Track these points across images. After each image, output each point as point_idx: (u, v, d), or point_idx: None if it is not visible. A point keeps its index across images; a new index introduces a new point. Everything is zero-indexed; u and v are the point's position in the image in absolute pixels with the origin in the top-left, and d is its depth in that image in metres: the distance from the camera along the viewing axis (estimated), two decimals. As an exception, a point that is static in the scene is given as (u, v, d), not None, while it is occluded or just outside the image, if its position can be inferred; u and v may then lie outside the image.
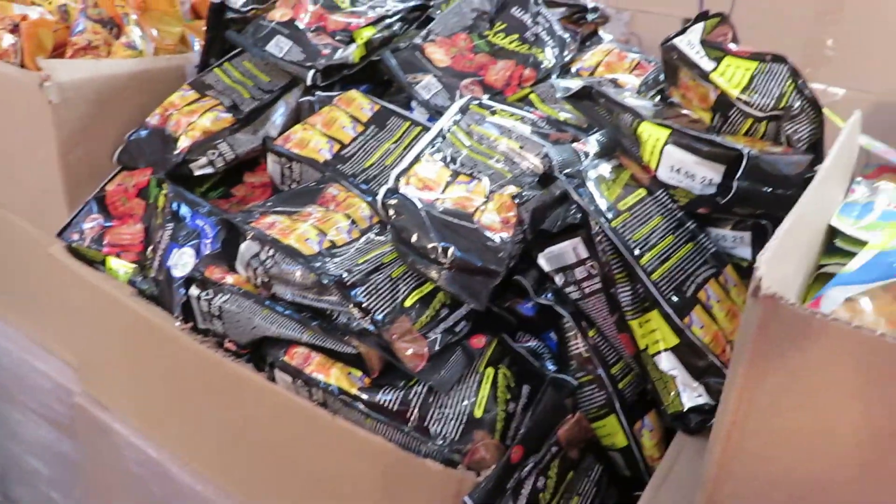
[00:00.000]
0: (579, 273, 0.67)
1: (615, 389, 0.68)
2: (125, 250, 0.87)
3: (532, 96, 0.90)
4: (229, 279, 0.73)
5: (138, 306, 0.80)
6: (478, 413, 0.63)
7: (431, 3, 1.04)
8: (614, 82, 0.93)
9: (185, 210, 0.82)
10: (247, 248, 0.70)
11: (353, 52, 0.92)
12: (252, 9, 0.95)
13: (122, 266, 0.86)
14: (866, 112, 0.81)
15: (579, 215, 0.68)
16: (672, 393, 0.65)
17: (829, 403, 0.42)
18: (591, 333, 0.68)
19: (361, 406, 0.63)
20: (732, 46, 0.77)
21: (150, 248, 0.84)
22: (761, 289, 0.43)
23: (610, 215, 0.65)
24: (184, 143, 0.88)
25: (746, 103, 0.72)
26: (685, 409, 0.64)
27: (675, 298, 0.64)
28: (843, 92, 1.67)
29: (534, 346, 0.72)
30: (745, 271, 0.70)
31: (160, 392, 0.85)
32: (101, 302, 0.85)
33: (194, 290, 0.73)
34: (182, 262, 0.79)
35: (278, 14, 0.94)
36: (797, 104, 0.72)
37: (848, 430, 0.42)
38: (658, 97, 0.90)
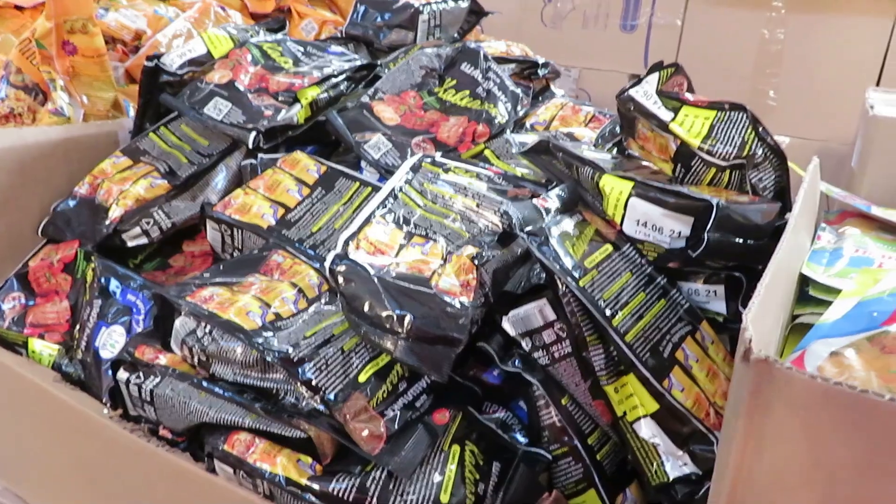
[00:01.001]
0: (547, 337, 0.62)
1: (593, 461, 0.63)
2: (49, 331, 0.79)
3: (487, 152, 0.86)
4: (163, 359, 0.66)
5: (63, 393, 0.72)
6: (444, 498, 0.56)
7: (379, 63, 1.02)
8: (570, 136, 0.91)
9: (114, 285, 0.76)
10: (181, 324, 0.63)
11: (297, 113, 0.88)
12: (189, 71, 0.91)
13: (45, 348, 0.78)
14: (812, 158, 0.80)
15: (544, 275, 0.63)
16: (655, 463, 0.59)
17: (841, 480, 0.38)
18: (563, 401, 0.63)
19: (313, 497, 0.56)
20: (689, 96, 0.76)
21: (77, 328, 0.77)
22: (752, 352, 0.38)
23: (577, 274, 0.60)
24: (115, 213, 0.82)
25: (708, 152, 0.70)
26: (670, 480, 0.59)
27: (651, 360, 0.59)
28: (788, 140, 1.70)
29: (503, 416, 0.66)
30: (721, 326, 0.67)
31: (89, 486, 0.76)
32: (23, 391, 0.76)
33: (122, 374, 0.65)
34: (111, 341, 0.72)
35: (217, 76, 0.89)
36: (760, 151, 0.70)
37: (861, 507, 0.38)
38: (616, 149, 0.88)
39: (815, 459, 0.39)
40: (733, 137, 0.70)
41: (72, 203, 0.86)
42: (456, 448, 0.60)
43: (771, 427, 0.39)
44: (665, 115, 0.73)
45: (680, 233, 0.64)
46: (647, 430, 0.59)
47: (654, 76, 0.76)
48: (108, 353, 0.71)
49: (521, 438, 0.65)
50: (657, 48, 1.83)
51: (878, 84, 1.58)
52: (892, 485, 0.37)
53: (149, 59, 0.89)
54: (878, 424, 0.36)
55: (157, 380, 0.64)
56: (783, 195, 0.71)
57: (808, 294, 0.63)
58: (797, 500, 0.39)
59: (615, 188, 0.67)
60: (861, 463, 0.37)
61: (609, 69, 1.94)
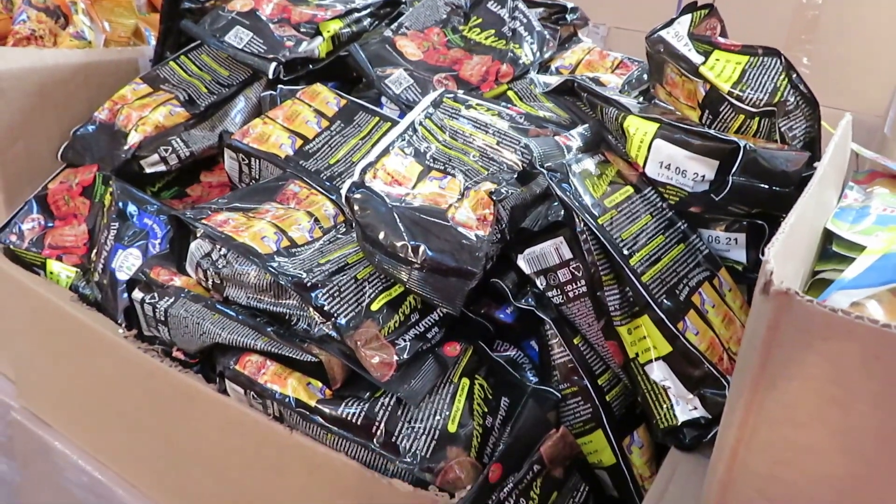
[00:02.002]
0: (563, 275, 0.61)
1: (602, 402, 0.62)
2: (68, 253, 0.80)
3: (510, 93, 0.85)
4: (177, 281, 0.66)
5: (80, 313, 0.73)
6: (452, 428, 0.56)
7: (404, 0, 1.00)
8: (596, 81, 0.89)
9: (132, 208, 0.76)
10: (197, 247, 0.63)
11: (318, 46, 0.86)
12: (211, -2, 0.89)
13: (63, 270, 0.78)
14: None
15: (562, 213, 0.62)
16: (664, 406, 0.59)
17: (853, 415, 0.37)
18: (575, 341, 0.63)
19: (321, 420, 0.57)
20: (721, 40, 0.73)
21: (95, 251, 0.77)
22: (773, 283, 0.37)
23: (596, 212, 0.59)
24: (134, 139, 0.81)
25: (738, 98, 0.68)
26: (679, 424, 0.59)
27: (667, 302, 0.58)
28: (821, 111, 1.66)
29: (513, 355, 0.66)
30: (740, 276, 0.66)
31: (104, 407, 0.77)
32: (41, 309, 0.77)
33: (138, 294, 0.66)
34: (127, 263, 0.72)
35: (239, 4, 0.88)
36: (792, 99, 0.68)
37: (875, 446, 0.37)
38: (642, 97, 0.86)
39: (830, 395, 0.38)
40: (765, 84, 0.68)
41: (91, 128, 0.86)
42: (465, 381, 0.60)
43: (787, 360, 0.38)
44: (696, 58, 0.71)
45: (704, 176, 0.62)
46: (659, 373, 0.59)
47: (687, 17, 0.74)
48: (124, 275, 0.72)
49: (531, 377, 0.64)
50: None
51: (918, 52, 1.54)
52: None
53: (171, -16, 0.88)
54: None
55: (172, 300, 0.64)
56: (813, 146, 0.69)
57: (831, 251, 0.61)
58: (810, 435, 0.38)
59: (640, 129, 0.65)
60: (878, 398, 0.36)
61: (639, 28, 1.89)
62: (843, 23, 1.61)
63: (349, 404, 0.56)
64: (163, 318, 0.64)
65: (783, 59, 0.69)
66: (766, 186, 0.61)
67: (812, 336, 0.37)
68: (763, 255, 0.41)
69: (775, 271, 0.38)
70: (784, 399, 0.39)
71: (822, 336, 0.37)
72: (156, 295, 0.65)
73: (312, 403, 0.57)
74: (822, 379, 0.38)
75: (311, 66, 0.88)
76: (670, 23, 0.73)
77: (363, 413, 0.56)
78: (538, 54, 0.89)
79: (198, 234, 0.63)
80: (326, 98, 0.81)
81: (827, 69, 1.65)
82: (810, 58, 1.68)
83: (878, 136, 1.15)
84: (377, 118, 0.79)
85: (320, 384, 0.58)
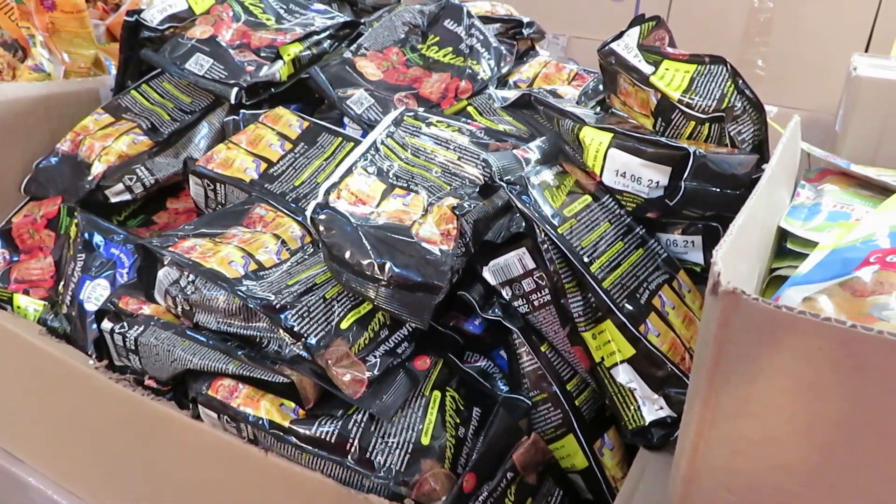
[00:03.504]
0: (527, 285, 0.63)
1: (571, 407, 0.64)
2: (34, 286, 0.79)
3: (470, 108, 0.86)
4: (147, 310, 0.66)
5: (49, 346, 0.72)
6: (425, 440, 0.57)
7: (363, 21, 1.01)
8: (553, 93, 0.91)
9: (98, 239, 0.76)
10: (165, 274, 0.64)
11: (279, 70, 0.87)
12: (169, 27, 0.90)
13: (31, 304, 0.78)
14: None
15: (523, 224, 0.64)
16: (632, 407, 0.61)
17: (801, 403, 0.39)
18: (543, 348, 0.64)
19: (296, 440, 0.57)
20: (670, 50, 0.76)
21: (62, 283, 0.77)
22: (721, 284, 0.39)
23: (556, 222, 0.61)
24: (98, 169, 0.81)
25: (688, 105, 0.71)
26: (646, 424, 0.60)
27: (628, 306, 0.60)
28: (776, 110, 1.71)
29: (483, 365, 0.67)
30: (699, 277, 0.68)
31: (78, 439, 0.77)
32: (9, 344, 0.77)
33: (107, 324, 0.66)
34: (95, 294, 0.72)
35: (198, 31, 0.89)
36: (739, 104, 0.70)
37: (825, 432, 0.39)
38: (598, 107, 0.88)
39: (780, 386, 0.40)
40: (713, 91, 0.71)
41: (54, 160, 0.86)
42: (437, 393, 0.61)
43: (738, 356, 0.40)
44: (646, 68, 0.73)
45: (658, 182, 0.64)
46: (624, 375, 0.61)
47: (636, 30, 0.76)
48: (92, 306, 0.72)
49: (501, 386, 0.66)
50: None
51: (866, 50, 1.59)
52: (856, 409, 0.38)
53: (129, 14, 0.88)
54: (844, 351, 0.37)
55: (141, 329, 0.65)
56: (761, 148, 0.72)
57: (786, 248, 0.63)
58: (764, 426, 0.40)
59: (595, 139, 0.67)
60: (823, 387, 0.38)
61: (598, 38, 1.93)
62: (794, 24, 1.66)
63: (322, 423, 0.57)
64: (133, 347, 0.65)
65: (729, 67, 0.71)
66: (718, 190, 0.63)
67: (760, 332, 0.39)
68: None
69: (723, 272, 0.40)
70: (738, 393, 0.41)
71: (769, 331, 0.39)
72: (125, 324, 0.65)
73: (286, 424, 0.57)
74: (771, 372, 0.40)
75: (272, 90, 0.89)
76: (620, 35, 0.76)
77: (337, 431, 0.57)
78: (496, 69, 0.91)
79: (165, 262, 0.63)
80: (289, 121, 0.82)
81: (781, 69, 1.70)
82: (764, 59, 1.73)
83: (832, 135, 1.18)
84: (340, 138, 0.80)
85: (293, 405, 0.59)
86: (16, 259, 0.82)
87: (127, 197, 0.82)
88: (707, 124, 0.71)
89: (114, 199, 0.82)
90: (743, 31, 1.73)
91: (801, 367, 0.38)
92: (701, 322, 0.45)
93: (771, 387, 0.40)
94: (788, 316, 0.38)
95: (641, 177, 0.65)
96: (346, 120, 0.85)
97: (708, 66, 0.72)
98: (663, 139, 0.64)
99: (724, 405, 0.42)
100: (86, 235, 0.76)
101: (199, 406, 0.61)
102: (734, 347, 0.40)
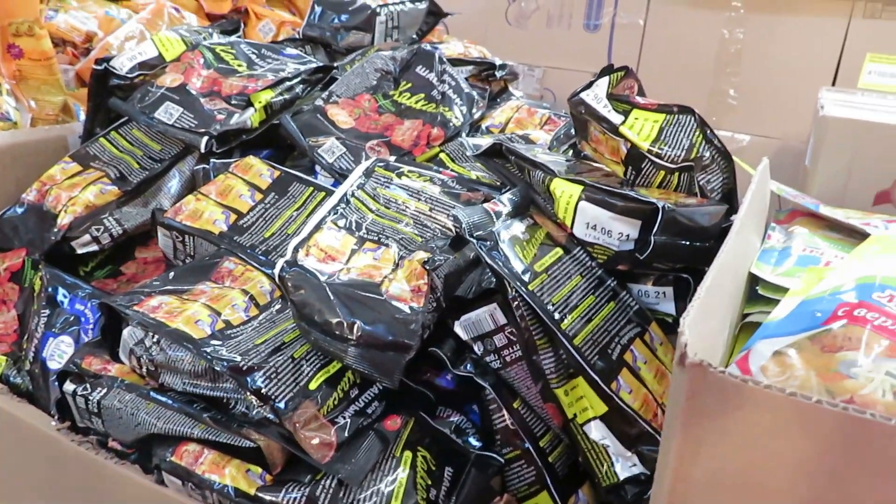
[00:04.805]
0: (498, 340, 0.62)
1: (545, 463, 0.63)
2: (-3, 341, 0.77)
3: (442, 155, 0.86)
4: (111, 370, 0.65)
5: (9, 405, 0.70)
6: (396, 504, 0.56)
7: (336, 65, 1.01)
8: (526, 138, 0.91)
9: (62, 294, 0.74)
10: (129, 333, 0.63)
11: (251, 117, 0.87)
12: (139, 75, 0.89)
13: (-7, 359, 0.76)
14: (771, 156, 0.81)
15: (494, 279, 0.64)
16: (605, 464, 0.60)
17: (770, 475, 0.39)
18: (515, 405, 0.63)
19: (263, 508, 0.56)
20: (639, 99, 0.76)
21: (26, 337, 0.75)
22: (688, 356, 0.39)
23: (526, 278, 0.61)
24: (64, 220, 0.80)
25: (657, 155, 0.71)
26: (620, 481, 0.59)
27: (600, 363, 0.60)
28: (748, 139, 1.74)
29: (457, 420, 0.66)
30: (671, 327, 0.68)
31: (38, 501, 0.75)
32: (-31, 402, 0.75)
33: (69, 386, 0.64)
34: (59, 352, 0.71)
35: (168, 79, 0.88)
36: (707, 154, 0.70)
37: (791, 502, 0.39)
38: (570, 151, 0.89)
39: (749, 461, 0.39)
40: (681, 140, 0.71)
41: (19, 210, 0.84)
42: (408, 454, 0.60)
43: (706, 430, 0.40)
44: (615, 118, 0.74)
45: (628, 235, 0.64)
46: (597, 432, 0.60)
47: (605, 80, 0.77)
48: (55, 364, 0.70)
49: (474, 442, 0.65)
50: (620, 48, 1.85)
51: (833, 82, 1.62)
52: (823, 484, 0.38)
53: (97, 62, 0.87)
54: (810, 425, 0.37)
55: (105, 391, 0.63)
56: (730, 197, 0.72)
57: (757, 293, 0.64)
58: (734, 498, 0.40)
59: (565, 192, 0.67)
60: (792, 463, 0.38)
61: (573, 68, 1.96)
62: (764, 55, 1.69)
63: (290, 490, 0.56)
64: (96, 410, 0.63)
65: (697, 117, 0.72)
66: (687, 243, 0.63)
67: (726, 404, 0.39)
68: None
69: (689, 343, 0.40)
70: (708, 465, 0.41)
71: (735, 404, 0.39)
72: (88, 386, 0.64)
73: (252, 492, 0.56)
74: (739, 444, 0.39)
75: (244, 136, 0.88)
76: (589, 85, 0.76)
77: (305, 497, 0.55)
78: (468, 115, 0.91)
79: (130, 322, 0.62)
80: (259, 170, 0.81)
81: (752, 99, 1.73)
82: (736, 89, 1.75)
83: (802, 163, 1.19)
84: (311, 188, 0.79)
85: (260, 470, 0.57)
86: (-22, 313, 0.80)
87: (94, 248, 0.81)
88: (677, 173, 0.72)
89: (80, 251, 0.80)
90: (714, 62, 1.76)
91: (768, 439, 0.38)
92: (670, 391, 0.44)
93: (740, 459, 0.40)
94: (755, 390, 0.38)
95: (612, 230, 0.65)
96: (317, 167, 0.85)
97: (676, 116, 0.73)
98: (633, 192, 0.65)
99: (694, 477, 0.41)
100: (50, 290, 0.75)
101: (164, 472, 0.60)
102: (702, 420, 0.40)
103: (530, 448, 0.63)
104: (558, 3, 1.96)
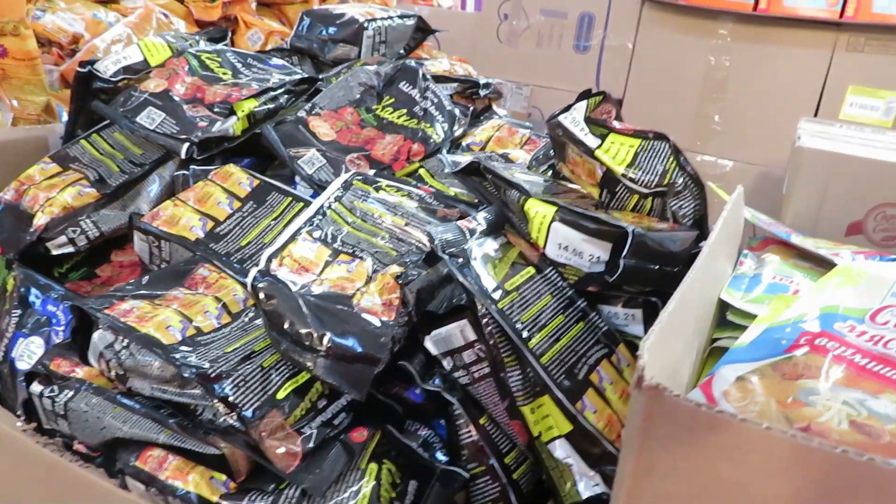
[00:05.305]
0: (467, 357, 0.63)
1: (510, 480, 0.64)
2: (-33, 340, 0.77)
3: (422, 171, 0.87)
4: (80, 372, 0.65)
5: (-24, 405, 0.70)
6: (358, 517, 0.56)
7: (321, 77, 1.02)
8: (505, 157, 0.92)
9: (35, 295, 0.74)
10: (99, 336, 0.63)
11: (233, 125, 0.87)
12: (123, 79, 0.90)
13: (-39, 359, 0.76)
14: (753, 182, 0.83)
15: (465, 296, 0.64)
16: (568, 483, 0.61)
17: (720, 501, 0.39)
18: (482, 421, 0.64)
19: (225, 516, 0.56)
20: (616, 124, 0.78)
21: (-5, 337, 0.75)
22: (644, 379, 0.40)
23: (496, 296, 0.62)
24: (40, 221, 0.80)
25: (631, 180, 0.72)
26: (582, 500, 0.60)
27: (566, 382, 0.60)
28: (731, 164, 1.76)
29: (424, 434, 0.67)
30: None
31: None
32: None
33: (36, 387, 0.64)
34: (28, 352, 0.70)
35: (152, 85, 0.89)
36: (680, 181, 0.72)
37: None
38: (549, 172, 0.90)
39: (700, 484, 0.40)
40: (655, 166, 0.72)
41: (-4, 209, 0.84)
42: (373, 466, 0.60)
43: (660, 450, 0.40)
44: (592, 141, 0.75)
45: (599, 258, 0.65)
46: (562, 451, 0.61)
47: (583, 104, 0.78)
48: (24, 365, 0.70)
49: (441, 457, 0.65)
50: (608, 69, 1.87)
51: (816, 112, 1.65)
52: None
53: (81, 64, 0.88)
54: (760, 450, 0.37)
55: (72, 393, 0.63)
56: (701, 223, 0.73)
57: (727, 319, 0.65)
58: (686, 523, 0.41)
59: (539, 212, 0.68)
60: (742, 486, 0.39)
61: (561, 88, 1.98)
62: (749, 82, 1.72)
63: (253, 498, 0.56)
64: (62, 412, 0.63)
65: (671, 144, 0.73)
66: (657, 267, 0.64)
67: (680, 428, 0.40)
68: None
69: (647, 366, 0.41)
70: (661, 488, 0.41)
71: (689, 428, 0.39)
72: (55, 388, 0.64)
73: (214, 499, 0.56)
74: (691, 469, 0.40)
75: (226, 144, 0.89)
76: (568, 108, 0.77)
77: (267, 507, 0.56)
78: (449, 132, 0.92)
79: (100, 325, 0.62)
80: (239, 178, 0.81)
81: (737, 125, 1.76)
82: (721, 115, 1.78)
83: (780, 190, 1.21)
84: (289, 198, 0.80)
85: (224, 477, 0.58)
86: (-51, 311, 0.79)
87: (69, 249, 0.81)
88: (650, 198, 0.73)
89: (55, 252, 0.80)
90: (700, 87, 1.78)
91: (719, 464, 0.39)
92: (627, 414, 0.45)
93: (691, 483, 0.40)
94: (708, 415, 0.38)
95: (583, 251, 0.66)
96: (297, 178, 0.85)
97: (651, 142, 0.74)
98: (604, 216, 0.66)
99: (647, 497, 0.42)
100: (22, 290, 0.75)
101: (127, 477, 0.60)
102: (656, 443, 0.41)
103: (495, 464, 0.63)
104: (549, 23, 1.98)
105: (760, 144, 1.71)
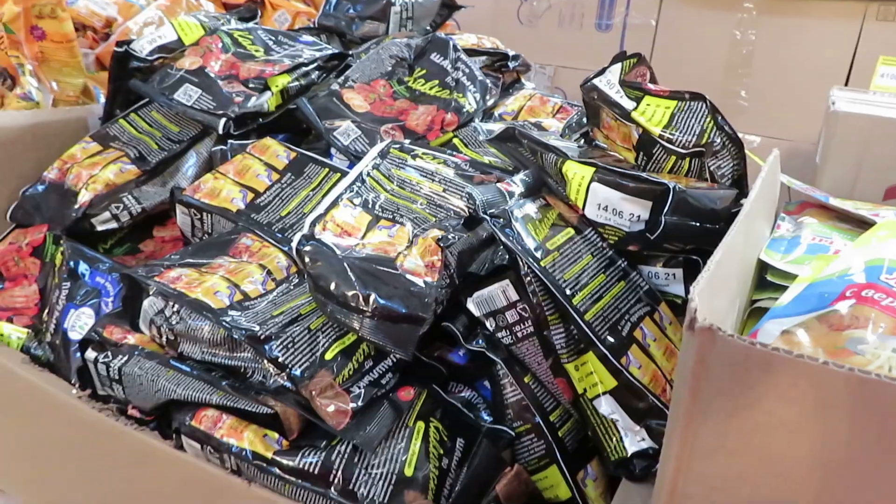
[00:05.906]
0: (510, 316, 0.64)
1: (555, 438, 0.64)
2: (18, 314, 0.79)
3: (455, 140, 0.88)
4: (131, 339, 0.66)
5: (31, 375, 0.72)
6: (408, 472, 0.57)
7: (351, 53, 1.03)
8: (538, 126, 0.93)
9: (83, 267, 0.76)
10: (150, 304, 0.64)
11: (267, 100, 0.88)
12: (159, 58, 0.91)
13: (14, 331, 0.78)
14: (781, 157, 0.82)
15: (507, 257, 0.65)
16: (614, 438, 0.61)
17: (776, 440, 0.40)
18: (526, 379, 0.65)
19: (279, 471, 0.57)
20: (651, 86, 0.78)
21: (46, 311, 0.77)
22: (697, 321, 0.40)
23: (538, 255, 0.62)
24: (84, 197, 0.82)
25: (668, 141, 0.72)
26: (629, 455, 0.61)
27: (610, 338, 0.61)
28: (759, 140, 1.74)
29: (468, 396, 0.68)
30: (680, 309, 0.69)
31: (60, 469, 0.76)
32: (-10, 373, 0.76)
33: (91, 353, 0.66)
34: (80, 323, 0.72)
35: (187, 62, 0.90)
36: (718, 140, 0.72)
37: (797, 467, 0.40)
38: (582, 139, 0.90)
39: (756, 422, 0.40)
40: (692, 126, 0.72)
41: (41, 188, 0.86)
42: (421, 424, 0.61)
43: (715, 392, 0.41)
44: (627, 104, 0.75)
45: (639, 216, 0.65)
46: (607, 407, 0.61)
47: (618, 66, 0.78)
48: (76, 335, 0.72)
49: (485, 417, 0.66)
50: (631, 47, 1.86)
51: (846, 83, 1.62)
52: (832, 447, 0.39)
53: (118, 44, 0.89)
54: (816, 387, 0.38)
55: (125, 358, 0.65)
56: (740, 182, 0.73)
57: (766, 280, 0.65)
58: (741, 462, 0.41)
59: (577, 173, 0.68)
60: (797, 424, 0.39)
61: (584, 67, 1.97)
62: (775, 57, 1.70)
63: (306, 454, 0.57)
64: (117, 377, 0.64)
65: (708, 103, 0.73)
66: (698, 224, 0.64)
67: (735, 368, 0.40)
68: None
69: (699, 308, 0.41)
70: (715, 429, 0.42)
71: (745, 367, 0.40)
72: (109, 354, 0.65)
73: (269, 455, 0.57)
74: (747, 408, 0.40)
75: (261, 120, 0.90)
76: (602, 71, 0.77)
77: (320, 462, 0.57)
78: (481, 102, 0.93)
79: (150, 292, 0.64)
80: (276, 151, 0.83)
81: (763, 100, 1.73)
82: (747, 90, 1.76)
83: (813, 165, 1.20)
84: (327, 169, 0.81)
85: (277, 435, 0.59)
86: (0, 286, 0.82)
87: (113, 225, 0.82)
88: (687, 159, 0.73)
89: (100, 228, 0.82)
90: (726, 63, 1.76)
91: (774, 403, 0.39)
92: (679, 357, 0.45)
93: (746, 424, 0.40)
94: (763, 353, 0.39)
95: (623, 211, 0.66)
96: (333, 150, 0.86)
97: (688, 103, 0.74)
98: (644, 174, 0.66)
99: (701, 442, 0.42)
100: (71, 264, 0.76)
101: (183, 436, 0.61)
102: (710, 384, 0.41)
103: (540, 422, 0.64)
104: (570, 2, 1.97)
105: (788, 119, 1.69)
